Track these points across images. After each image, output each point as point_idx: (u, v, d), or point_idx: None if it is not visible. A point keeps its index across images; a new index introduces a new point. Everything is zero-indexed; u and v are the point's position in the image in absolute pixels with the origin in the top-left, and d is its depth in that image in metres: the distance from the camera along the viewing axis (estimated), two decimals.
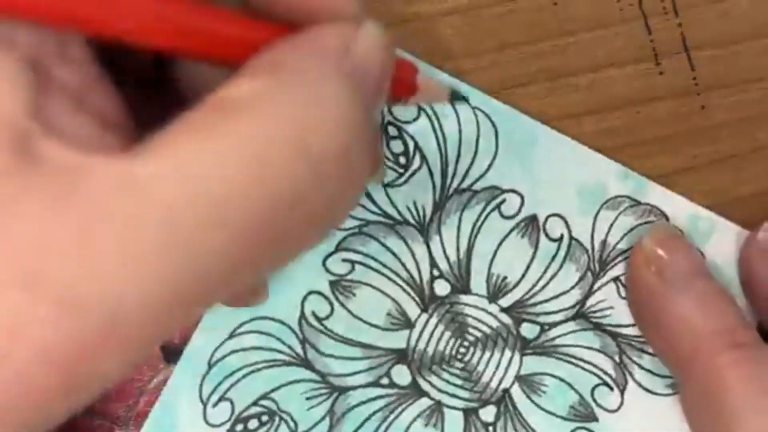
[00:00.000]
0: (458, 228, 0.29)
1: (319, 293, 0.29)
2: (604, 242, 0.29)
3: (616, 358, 0.29)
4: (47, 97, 0.15)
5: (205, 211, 0.15)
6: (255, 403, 0.28)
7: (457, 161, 0.29)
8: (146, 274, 0.15)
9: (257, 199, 0.16)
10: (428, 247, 0.29)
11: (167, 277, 0.15)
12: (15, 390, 0.14)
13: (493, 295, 0.29)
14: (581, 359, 0.29)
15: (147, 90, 0.21)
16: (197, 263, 0.15)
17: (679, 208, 0.29)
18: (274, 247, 0.17)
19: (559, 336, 0.29)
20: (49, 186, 0.14)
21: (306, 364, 0.28)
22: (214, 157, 0.15)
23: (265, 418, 0.28)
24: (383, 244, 0.29)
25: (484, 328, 0.29)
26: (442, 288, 0.29)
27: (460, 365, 0.29)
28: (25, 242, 0.14)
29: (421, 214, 0.29)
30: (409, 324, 0.29)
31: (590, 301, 0.29)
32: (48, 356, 0.14)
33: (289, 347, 0.28)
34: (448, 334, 0.29)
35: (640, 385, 0.29)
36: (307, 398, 0.28)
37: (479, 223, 0.29)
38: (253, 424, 0.28)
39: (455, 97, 0.26)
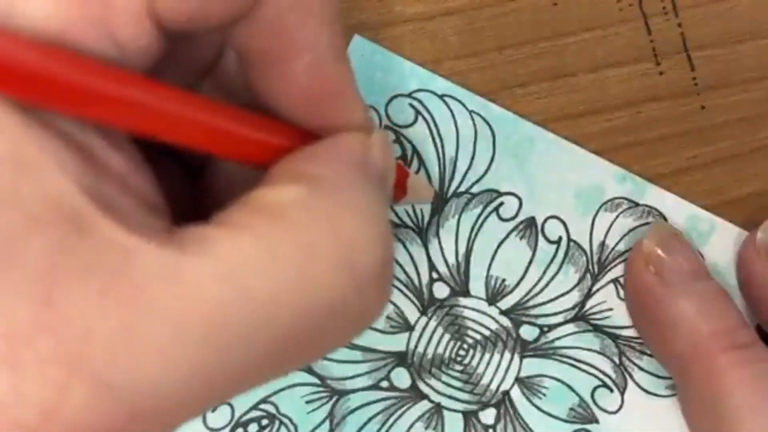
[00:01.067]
0: (457, 231, 0.29)
1: None
2: (602, 244, 0.29)
3: (616, 360, 0.29)
4: (97, 178, 0.15)
5: (247, 314, 0.15)
6: (255, 407, 0.28)
7: (454, 164, 0.29)
8: (183, 367, 0.15)
9: (298, 306, 0.16)
10: (427, 250, 0.29)
11: (203, 371, 0.15)
12: None
13: (492, 298, 0.29)
14: (581, 361, 0.29)
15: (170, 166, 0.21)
16: (234, 361, 0.16)
17: (677, 209, 0.29)
18: (310, 348, 0.18)
19: (558, 338, 0.29)
20: (102, 266, 0.14)
21: (306, 367, 0.28)
22: (260, 263, 0.16)
23: (265, 422, 0.28)
24: None
25: (484, 331, 0.29)
26: (441, 291, 0.29)
27: (459, 368, 0.29)
28: (71, 322, 0.14)
29: (419, 217, 0.29)
30: (408, 327, 0.29)
31: (589, 303, 0.29)
32: None
33: None
34: (447, 336, 0.29)
35: (639, 386, 0.29)
36: (307, 402, 0.28)
37: (477, 226, 0.29)
38: (253, 428, 0.28)
39: (438, 197, 0.29)
